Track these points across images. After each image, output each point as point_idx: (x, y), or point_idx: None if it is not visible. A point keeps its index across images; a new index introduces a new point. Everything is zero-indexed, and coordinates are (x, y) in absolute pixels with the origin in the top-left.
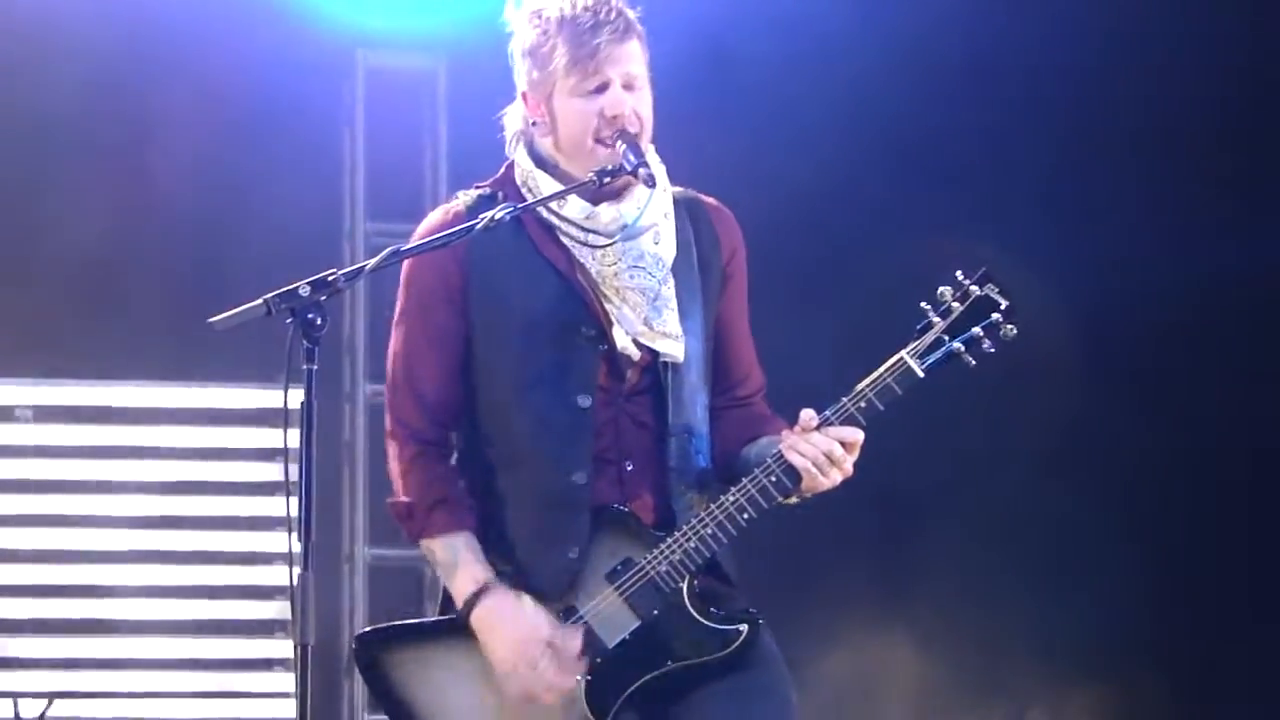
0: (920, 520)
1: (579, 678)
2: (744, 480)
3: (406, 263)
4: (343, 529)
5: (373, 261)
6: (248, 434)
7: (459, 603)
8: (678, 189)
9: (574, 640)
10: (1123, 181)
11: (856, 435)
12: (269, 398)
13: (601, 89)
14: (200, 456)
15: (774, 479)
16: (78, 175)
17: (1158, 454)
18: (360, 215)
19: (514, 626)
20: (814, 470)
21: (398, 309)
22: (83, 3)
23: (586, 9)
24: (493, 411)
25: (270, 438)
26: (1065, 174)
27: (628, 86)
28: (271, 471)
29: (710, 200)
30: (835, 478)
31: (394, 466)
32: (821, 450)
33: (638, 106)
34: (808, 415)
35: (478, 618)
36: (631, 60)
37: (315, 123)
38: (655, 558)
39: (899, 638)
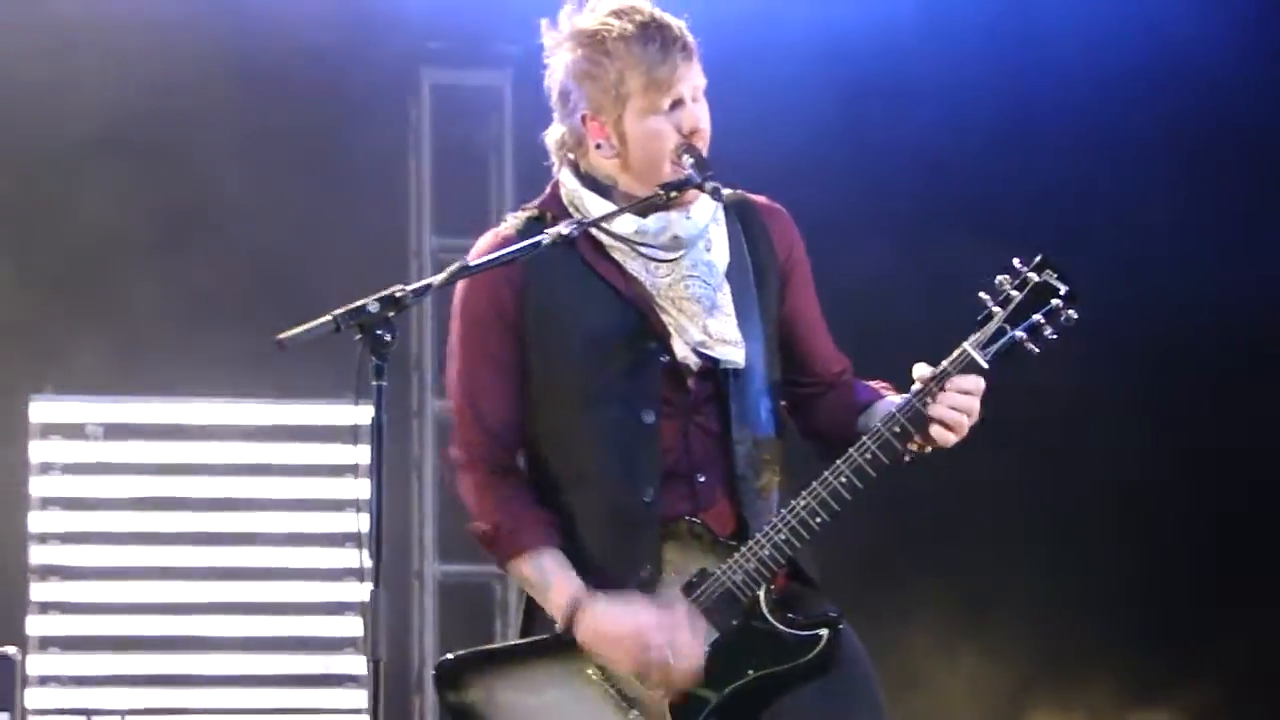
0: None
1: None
2: (814, 484)
3: (459, 290)
4: (412, 545)
5: (440, 277)
6: (317, 450)
7: (558, 619)
8: (726, 191)
9: (679, 617)
10: (1133, 187)
11: (978, 382)
12: (338, 414)
13: (676, 106)
14: (270, 473)
15: (844, 480)
16: (141, 193)
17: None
18: (426, 231)
19: (619, 628)
20: (948, 434)
21: (453, 337)
22: (148, 22)
23: (648, 28)
24: (555, 432)
25: (340, 454)
26: (1074, 180)
27: (694, 99)
28: (341, 488)
29: (760, 199)
30: (965, 426)
31: (469, 495)
32: (956, 407)
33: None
34: (920, 371)
35: (581, 630)
36: (697, 74)
37: (381, 139)
38: (730, 567)
39: (969, 639)
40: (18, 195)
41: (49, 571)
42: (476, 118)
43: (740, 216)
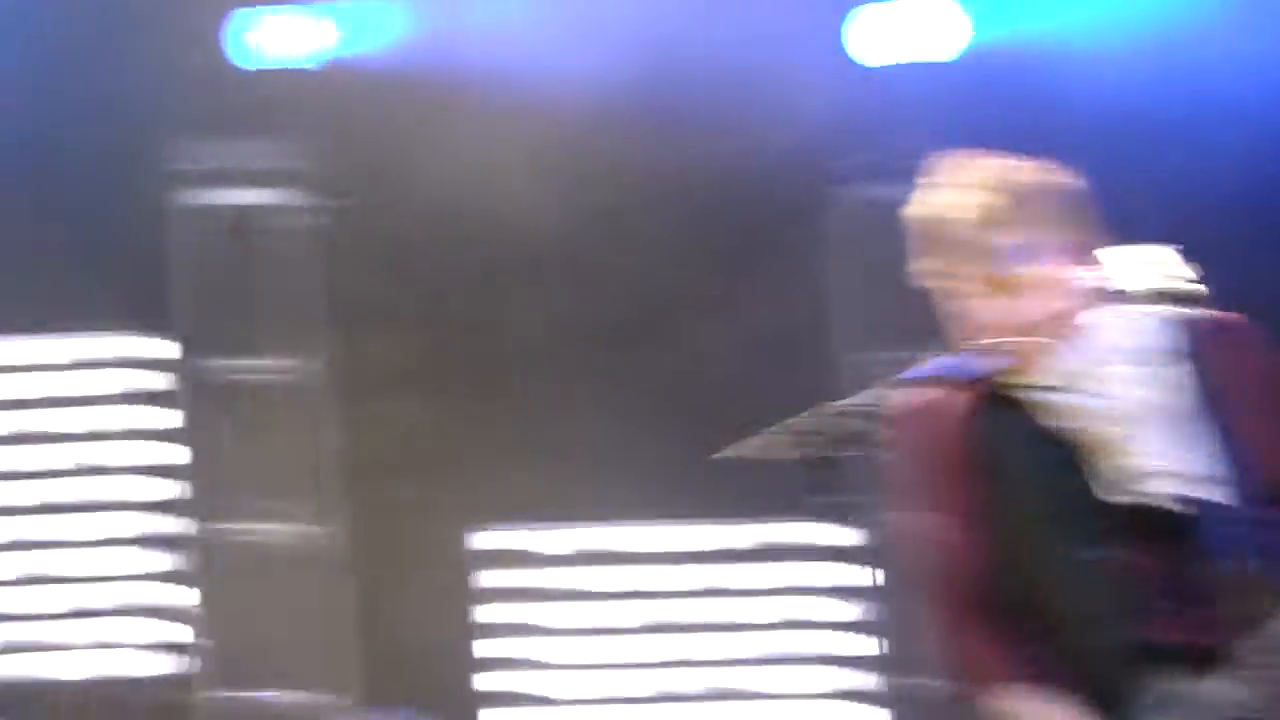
0: None
1: None
2: None
3: (900, 422)
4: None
5: (872, 396)
6: (761, 569)
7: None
8: (1169, 311)
9: None
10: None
11: None
12: (779, 533)
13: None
14: (710, 594)
15: None
16: (571, 313)
17: None
18: (846, 346)
19: None
20: None
21: (899, 472)
22: (579, 146)
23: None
24: (1007, 570)
25: (783, 572)
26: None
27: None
28: (786, 608)
29: (1208, 314)
30: None
31: (936, 634)
32: None
33: None
34: None
35: None
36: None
37: (796, 253)
38: (1205, 703)
39: None
40: (450, 321)
41: (498, 699)
42: (889, 231)
43: (1183, 334)
